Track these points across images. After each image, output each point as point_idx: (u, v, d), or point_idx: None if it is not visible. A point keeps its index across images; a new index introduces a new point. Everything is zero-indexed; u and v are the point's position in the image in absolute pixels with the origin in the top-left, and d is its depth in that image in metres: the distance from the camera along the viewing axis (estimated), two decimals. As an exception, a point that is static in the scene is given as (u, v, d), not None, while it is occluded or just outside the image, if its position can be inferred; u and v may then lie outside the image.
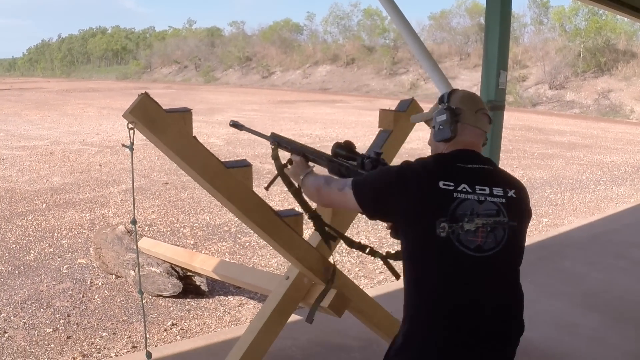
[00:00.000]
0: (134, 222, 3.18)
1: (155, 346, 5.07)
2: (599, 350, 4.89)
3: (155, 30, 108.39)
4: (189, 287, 6.19)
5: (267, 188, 3.29)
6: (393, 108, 3.75)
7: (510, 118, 29.59)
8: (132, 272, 6.23)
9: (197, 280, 6.20)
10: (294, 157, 3.09)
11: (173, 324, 5.58)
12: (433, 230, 2.34)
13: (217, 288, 6.38)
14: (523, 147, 19.37)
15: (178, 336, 5.36)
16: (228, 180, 3.03)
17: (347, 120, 26.52)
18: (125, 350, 5.04)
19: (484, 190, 2.41)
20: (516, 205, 2.47)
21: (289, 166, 3.11)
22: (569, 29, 48.17)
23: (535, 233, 9.05)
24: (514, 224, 2.42)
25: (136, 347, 5.12)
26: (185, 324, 5.61)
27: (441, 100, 2.64)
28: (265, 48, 70.86)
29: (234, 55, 72.05)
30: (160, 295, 6.07)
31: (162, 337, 5.34)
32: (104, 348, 5.08)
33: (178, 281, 6.05)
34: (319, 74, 62.21)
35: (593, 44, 44.45)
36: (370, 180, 2.59)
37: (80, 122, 22.30)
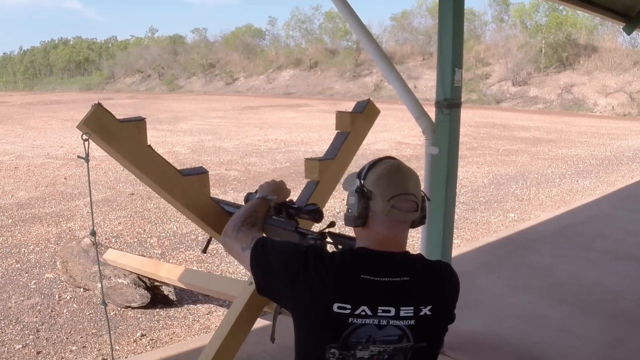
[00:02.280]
0: (92, 233, 3.14)
1: (126, 357, 5.05)
2: (569, 341, 4.91)
3: (118, 39, 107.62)
4: (157, 297, 6.14)
5: (204, 251, 3.21)
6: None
7: (475, 116, 29.85)
8: (99, 285, 6.09)
9: (165, 290, 6.15)
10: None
11: (142, 335, 5.53)
12: (322, 354, 2.06)
13: (186, 297, 6.33)
14: (488, 144, 19.51)
15: (148, 347, 5.31)
16: (185, 188, 2.97)
17: (312, 124, 26.63)
18: None
19: (388, 312, 2.04)
20: (430, 324, 2.09)
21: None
22: (530, 25, 48.58)
23: (502, 228, 9.12)
24: (421, 345, 2.08)
25: (106, 359, 5.06)
26: (155, 334, 5.56)
27: (358, 175, 2.18)
28: (228, 54, 70.70)
29: (197, 63, 71.80)
30: (129, 307, 6.01)
31: (132, 348, 5.29)
32: None
33: (146, 292, 5.99)
34: (282, 79, 62.19)
35: (554, 40, 44.89)
36: (273, 261, 2.20)
37: (45, 136, 22.08)
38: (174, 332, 5.61)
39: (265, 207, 2.62)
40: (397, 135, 22.02)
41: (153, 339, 5.46)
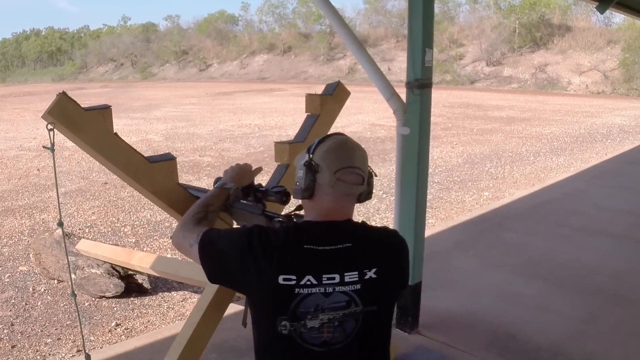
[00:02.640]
0: (60, 224, 3.08)
1: (100, 348, 4.99)
2: (544, 317, 4.91)
3: (90, 29, 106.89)
4: (131, 286, 6.09)
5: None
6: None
7: (449, 96, 29.96)
8: (72, 276, 6.03)
9: (139, 279, 6.10)
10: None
11: (117, 324, 5.50)
12: (274, 328, 2.07)
13: (160, 285, 6.30)
14: (462, 124, 19.55)
15: (123, 336, 5.27)
16: (152, 175, 2.93)
17: (286, 108, 26.60)
18: (71, 355, 4.95)
19: (333, 279, 2.06)
20: (377, 287, 2.12)
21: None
22: (504, 6, 48.77)
23: (477, 207, 9.14)
24: (371, 309, 2.11)
25: (81, 351, 4.99)
26: (130, 323, 5.53)
27: (308, 150, 2.23)
28: (201, 41, 70.44)
29: (170, 50, 71.51)
30: (103, 297, 5.95)
31: (107, 338, 5.25)
32: (49, 354, 4.97)
33: (120, 281, 5.94)
34: (256, 64, 62.08)
35: (528, 20, 45.11)
36: (219, 247, 2.22)
37: (17, 128, 21.85)
38: (148, 321, 5.58)
39: (223, 196, 2.65)
40: (372, 117, 22.02)
41: (128, 328, 5.43)
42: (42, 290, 6.33)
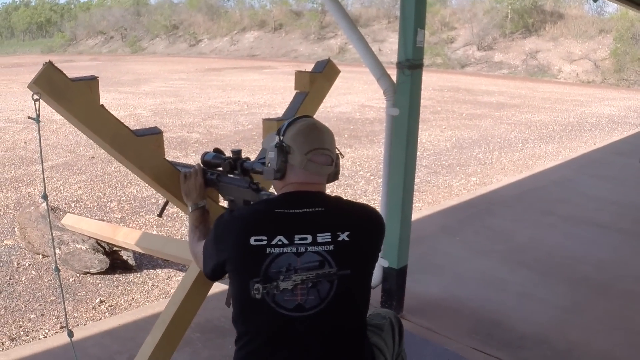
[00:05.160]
0: (44, 197, 3.02)
1: (84, 325, 4.94)
2: (528, 305, 4.90)
3: (80, 1, 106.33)
4: (116, 262, 6.04)
5: (160, 215, 3.32)
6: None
7: (439, 80, 29.95)
8: (57, 251, 5.95)
9: (124, 255, 6.04)
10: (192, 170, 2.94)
11: (101, 301, 5.44)
12: (248, 292, 2.11)
13: (145, 262, 6.25)
14: (452, 108, 19.53)
15: (107, 313, 5.23)
16: (139, 149, 2.90)
17: (276, 86, 26.49)
18: (54, 331, 4.90)
19: (305, 239, 2.12)
20: (350, 249, 2.16)
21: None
22: (497, -10, 48.61)
23: (464, 192, 9.12)
24: (345, 272, 2.14)
25: (64, 327, 4.93)
26: (114, 300, 5.48)
27: (278, 132, 2.35)
28: (192, 16, 70.05)
29: (161, 24, 71.05)
30: (88, 273, 5.89)
31: (91, 315, 5.20)
32: (33, 330, 4.93)
33: (105, 257, 5.87)
34: (246, 41, 61.80)
35: (520, 6, 45.13)
36: (208, 245, 2.36)
37: (4, 99, 21.50)
38: (132, 298, 5.54)
39: (205, 214, 2.83)
40: (361, 98, 21.96)
41: (112, 305, 5.38)
42: (27, 265, 6.26)
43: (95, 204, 8.46)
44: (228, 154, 2.85)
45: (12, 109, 18.44)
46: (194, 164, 3.01)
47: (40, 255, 6.40)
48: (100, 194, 9.02)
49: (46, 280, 5.90)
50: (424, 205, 8.50)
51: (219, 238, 2.27)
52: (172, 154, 11.17)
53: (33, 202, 8.11)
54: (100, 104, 2.74)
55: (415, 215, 7.41)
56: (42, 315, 5.19)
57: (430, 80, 29.53)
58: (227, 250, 2.21)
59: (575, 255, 6.13)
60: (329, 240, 2.14)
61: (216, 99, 21.49)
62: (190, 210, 2.84)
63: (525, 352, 4.15)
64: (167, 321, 3.19)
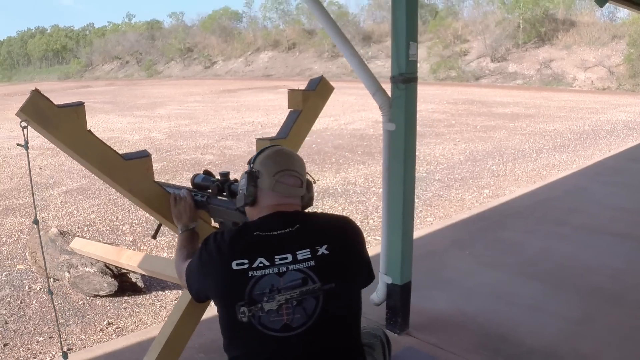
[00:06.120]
0: (35, 222, 3.01)
1: (91, 346, 4.96)
2: (538, 318, 4.80)
3: (95, 26, 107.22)
4: (125, 284, 6.07)
5: (154, 237, 3.28)
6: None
7: (454, 93, 29.91)
8: (67, 274, 6.05)
9: (133, 277, 6.07)
10: (181, 194, 2.97)
11: (109, 323, 5.48)
12: (235, 317, 2.12)
13: (155, 284, 6.27)
14: (466, 121, 19.45)
15: (114, 335, 5.26)
16: (127, 173, 2.91)
17: (290, 106, 26.32)
18: (60, 354, 4.85)
19: (285, 258, 2.14)
20: (331, 262, 2.17)
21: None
22: (508, 1, 48.54)
23: (477, 205, 9.04)
24: (330, 286, 2.14)
25: (72, 349, 5.00)
26: (122, 322, 5.51)
27: (249, 161, 2.44)
28: (206, 38, 70.63)
29: (175, 48, 71.67)
30: (97, 295, 5.95)
31: (98, 337, 5.23)
32: (40, 352, 4.96)
33: (113, 279, 5.92)
34: (261, 61, 62.14)
35: (532, 15, 45.06)
36: (192, 269, 2.38)
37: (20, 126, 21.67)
38: (140, 320, 5.56)
39: (192, 234, 2.86)
40: (376, 114, 21.76)
41: (119, 327, 5.41)
42: (38, 288, 6.33)
43: (108, 228, 8.50)
44: (233, 175, 2.85)
45: (29, 136, 18.46)
46: (189, 185, 3.05)
47: (52, 279, 6.41)
48: (112, 217, 9.07)
49: (56, 303, 5.92)
50: (436, 219, 8.44)
51: (203, 264, 2.28)
52: (185, 176, 11.22)
53: (47, 227, 8.15)
54: (88, 129, 2.74)
55: (425, 230, 7.38)
56: (50, 337, 5.24)
57: (444, 93, 29.55)
58: (210, 276, 2.23)
59: (588, 265, 6.01)
60: (309, 256, 2.15)
61: (230, 120, 21.56)
62: (180, 232, 2.86)
63: (533, 367, 4.07)
64: (163, 342, 3.19)
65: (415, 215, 8.46)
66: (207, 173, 2.96)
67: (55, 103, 2.61)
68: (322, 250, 2.17)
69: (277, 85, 43.26)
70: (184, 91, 40.02)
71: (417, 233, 7.30)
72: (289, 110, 3.56)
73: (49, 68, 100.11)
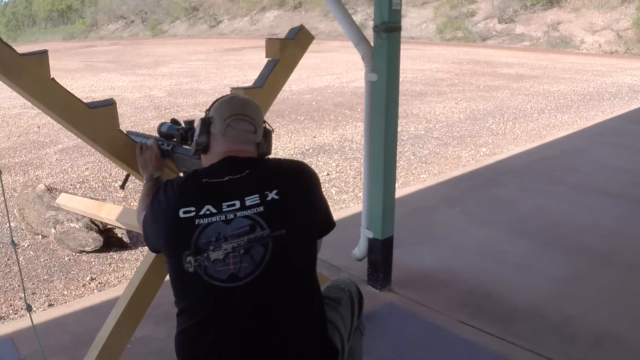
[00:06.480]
0: (13, 244, 3.00)
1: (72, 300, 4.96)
2: (526, 277, 4.73)
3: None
4: (111, 240, 6.06)
5: (122, 187, 3.29)
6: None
7: (459, 53, 29.72)
8: (53, 230, 6.05)
9: (119, 233, 6.06)
10: (148, 143, 2.94)
11: (92, 279, 5.48)
12: (181, 267, 2.04)
13: (141, 239, 6.17)
14: (469, 80, 19.29)
15: (95, 290, 5.26)
16: (92, 121, 2.86)
17: (293, 64, 26.19)
18: (42, 309, 4.89)
19: (233, 205, 2.06)
20: (281, 207, 2.09)
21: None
22: (517, -39, 48.04)
23: (472, 162, 8.96)
24: (280, 232, 2.04)
25: (52, 304, 5.00)
26: (105, 277, 5.51)
27: (207, 109, 2.40)
28: (211, -4, 70.07)
29: (180, 7, 71.10)
30: (83, 251, 5.95)
31: (80, 292, 5.23)
32: (22, 309, 4.95)
33: (98, 235, 5.90)
34: (266, 20, 61.68)
35: (541, -24, 44.50)
36: (147, 218, 2.31)
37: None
38: (123, 275, 5.54)
39: (156, 184, 2.76)
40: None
41: (102, 283, 5.41)
42: (26, 245, 6.30)
43: (100, 184, 8.49)
44: None
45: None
46: (155, 134, 2.99)
47: (40, 236, 6.43)
48: (106, 174, 9.06)
49: (42, 259, 5.94)
50: (430, 176, 8.35)
51: (154, 213, 2.22)
52: (119, 124, 10.89)
53: (31, 184, 8.13)
54: (51, 77, 2.71)
55: (417, 186, 7.32)
56: (34, 294, 5.23)
57: (450, 53, 29.38)
58: (159, 225, 2.16)
59: (581, 224, 5.92)
60: (258, 201, 2.07)
61: (232, 78, 21.45)
62: (145, 181, 2.83)
63: (516, 326, 3.98)
64: (130, 295, 3.15)
65: (410, 172, 8.43)
66: (174, 122, 2.89)
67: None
68: (272, 195, 2.09)
69: (281, 44, 43.03)
70: (188, 50, 39.83)
71: (409, 189, 7.26)
72: (267, 59, 3.49)
73: (53, 29, 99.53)
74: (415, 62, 23.87)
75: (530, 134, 11.15)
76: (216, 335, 2.03)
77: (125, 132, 3.00)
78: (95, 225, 5.95)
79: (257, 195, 2.08)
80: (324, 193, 2.35)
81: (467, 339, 3.80)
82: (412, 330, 3.90)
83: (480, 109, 14.08)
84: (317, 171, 2.38)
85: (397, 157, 8.12)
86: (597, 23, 39.28)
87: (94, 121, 2.85)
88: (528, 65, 24.92)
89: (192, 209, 2.06)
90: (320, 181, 2.30)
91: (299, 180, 2.21)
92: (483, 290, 4.48)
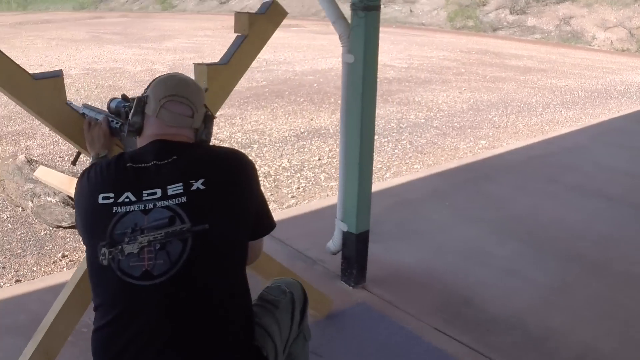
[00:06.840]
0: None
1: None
2: (511, 283, 4.49)
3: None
4: (88, 216, 5.83)
5: (73, 163, 3.11)
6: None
7: (469, 42, 29.47)
8: (30, 203, 5.99)
9: (96, 209, 5.82)
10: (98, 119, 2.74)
11: (64, 256, 5.37)
12: (96, 258, 1.86)
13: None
14: (476, 70, 18.99)
15: (65, 268, 5.14)
16: (36, 92, 2.69)
17: (299, 44, 26.20)
18: (9, 285, 4.81)
19: (154, 193, 1.88)
20: (207, 199, 1.89)
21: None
22: (532, -47, 47.75)
23: (470, 155, 8.71)
24: (202, 227, 1.83)
25: (20, 280, 4.91)
26: (77, 255, 5.37)
27: (146, 88, 2.24)
28: (223, -28, 69.84)
29: (192, -18, 70.88)
30: (60, 226, 5.85)
31: (50, 269, 5.13)
32: None
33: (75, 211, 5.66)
34: (277, -1, 61.52)
35: (555, -31, 44.22)
36: (76, 204, 2.17)
37: (26, 54, 21.30)
38: (95, 253, 5.30)
39: None
40: (384, 58, 21.38)
41: (72, 260, 5.28)
42: (5, 217, 6.22)
43: (87, 159, 8.17)
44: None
45: (31, 64, 18.29)
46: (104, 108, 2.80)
47: (20, 208, 6.35)
48: (97, 146, 8.78)
49: (19, 233, 5.85)
50: (423, 167, 8.10)
51: (77, 197, 2.11)
52: (66, 96, 10.78)
53: (30, 155, 8.01)
54: None
55: (407, 177, 7.07)
56: (3, 268, 5.16)
57: (459, 42, 29.14)
58: (81, 210, 2.05)
59: (574, 229, 5.67)
60: (181, 191, 1.87)
61: (237, 56, 21.22)
62: (92, 160, 2.61)
63: (492, 337, 3.73)
64: (77, 280, 2.96)
65: (403, 162, 8.17)
66: (124, 98, 2.62)
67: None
68: (198, 185, 1.88)
69: (290, 24, 42.68)
70: (196, 25, 39.57)
71: (399, 180, 7.04)
72: (235, 34, 3.32)
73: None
74: (423, 49, 23.55)
75: (532, 129, 10.88)
76: (129, 337, 1.81)
77: (69, 103, 2.84)
78: (72, 200, 5.76)
79: (181, 184, 1.88)
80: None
81: (438, 347, 3.57)
82: (381, 334, 3.67)
83: (484, 99, 13.80)
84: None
85: (393, 145, 7.85)
86: (609, 19, 39.01)
87: (39, 93, 2.69)
88: (537, 58, 24.63)
89: (112, 195, 1.91)
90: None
91: (231, 171, 2.00)
92: (463, 294, 4.24)
